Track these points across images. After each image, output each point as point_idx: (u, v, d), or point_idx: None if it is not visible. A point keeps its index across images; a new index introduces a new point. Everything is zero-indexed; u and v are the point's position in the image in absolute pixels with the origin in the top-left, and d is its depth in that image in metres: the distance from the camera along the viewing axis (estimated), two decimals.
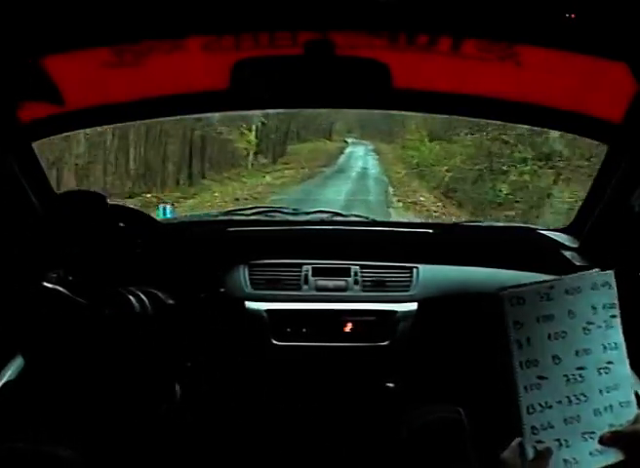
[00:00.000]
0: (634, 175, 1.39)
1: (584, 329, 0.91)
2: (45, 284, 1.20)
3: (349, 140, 9.60)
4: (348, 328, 1.47)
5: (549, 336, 0.90)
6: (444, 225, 2.01)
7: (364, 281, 1.55)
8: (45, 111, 1.38)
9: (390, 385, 1.45)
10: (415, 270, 1.57)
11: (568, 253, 1.62)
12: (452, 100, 1.41)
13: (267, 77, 1.28)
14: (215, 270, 1.44)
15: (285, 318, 1.47)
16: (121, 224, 1.33)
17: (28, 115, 1.36)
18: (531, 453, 0.84)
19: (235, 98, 1.42)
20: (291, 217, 1.85)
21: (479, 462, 1.15)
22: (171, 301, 1.29)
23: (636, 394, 1.20)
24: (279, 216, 1.86)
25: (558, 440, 0.85)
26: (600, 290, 0.95)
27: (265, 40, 1.23)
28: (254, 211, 1.85)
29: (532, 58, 1.25)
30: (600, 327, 0.92)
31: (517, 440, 0.84)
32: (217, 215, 1.95)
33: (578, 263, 1.58)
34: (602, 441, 0.86)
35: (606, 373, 0.90)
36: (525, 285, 0.92)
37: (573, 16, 1.06)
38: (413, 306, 1.49)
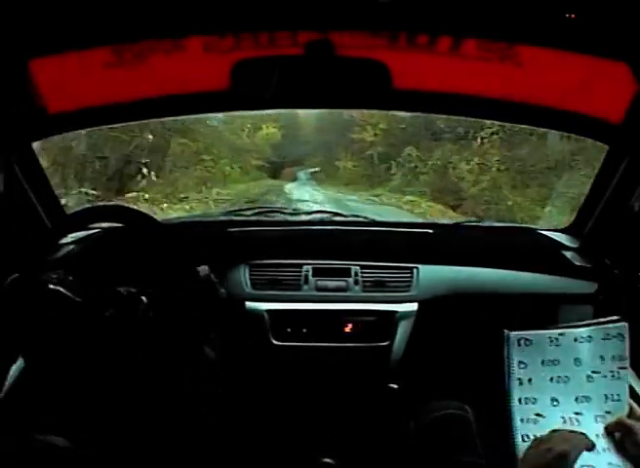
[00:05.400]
0: (634, 175, 1.39)
1: (588, 376, 0.92)
2: (45, 284, 1.20)
3: None
4: (349, 328, 1.47)
5: (551, 379, 0.91)
6: (444, 225, 2.01)
7: (364, 281, 1.55)
8: (45, 111, 1.38)
9: (391, 385, 1.44)
10: (415, 270, 1.56)
11: (568, 254, 1.62)
12: (452, 100, 1.41)
13: (267, 77, 1.28)
14: (215, 270, 1.44)
15: (285, 318, 1.47)
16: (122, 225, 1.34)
17: (28, 115, 1.36)
18: None
19: (235, 98, 1.42)
20: (291, 218, 1.85)
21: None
22: (170, 301, 1.29)
23: (637, 396, 1.21)
24: (279, 217, 1.86)
25: None
26: (612, 340, 0.93)
27: (265, 40, 1.23)
28: (254, 211, 1.85)
29: (532, 57, 1.25)
30: (605, 377, 0.92)
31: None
32: (217, 216, 1.95)
33: (578, 263, 1.58)
34: (607, 429, 0.88)
35: (602, 422, 0.90)
36: (535, 328, 0.93)
37: (573, 16, 1.06)
38: (413, 306, 1.49)
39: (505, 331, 0.92)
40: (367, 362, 1.46)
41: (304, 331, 1.46)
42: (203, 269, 1.28)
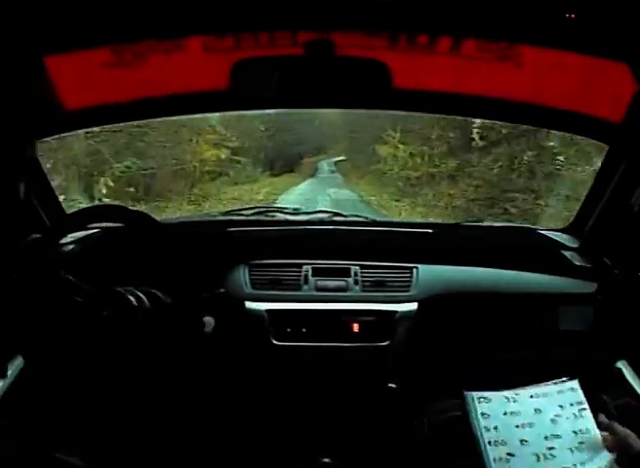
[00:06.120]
0: (634, 175, 1.40)
1: (552, 420, 0.96)
2: (45, 284, 1.20)
3: None
4: (348, 328, 1.47)
5: (517, 426, 0.96)
6: (444, 225, 2.01)
7: (364, 281, 1.55)
8: (45, 111, 1.38)
9: (391, 385, 1.44)
10: (415, 270, 1.57)
11: (568, 253, 1.62)
12: (452, 100, 1.41)
13: (267, 77, 1.28)
14: (215, 270, 1.44)
15: (285, 318, 1.47)
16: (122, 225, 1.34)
17: (30, 114, 1.36)
18: None
19: (235, 98, 1.42)
20: (291, 217, 1.85)
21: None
22: (170, 301, 1.29)
23: (637, 396, 1.21)
24: (279, 216, 1.86)
25: None
26: (566, 393, 0.99)
27: (265, 40, 1.23)
28: (254, 211, 1.85)
29: (532, 57, 1.25)
30: (568, 418, 0.96)
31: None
32: (216, 215, 1.95)
33: (578, 263, 1.58)
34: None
35: (578, 451, 0.93)
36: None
37: (573, 16, 1.06)
38: (413, 306, 1.49)
39: (464, 391, 0.99)
40: (367, 362, 1.46)
41: (304, 330, 1.46)
42: (208, 322, 1.31)
